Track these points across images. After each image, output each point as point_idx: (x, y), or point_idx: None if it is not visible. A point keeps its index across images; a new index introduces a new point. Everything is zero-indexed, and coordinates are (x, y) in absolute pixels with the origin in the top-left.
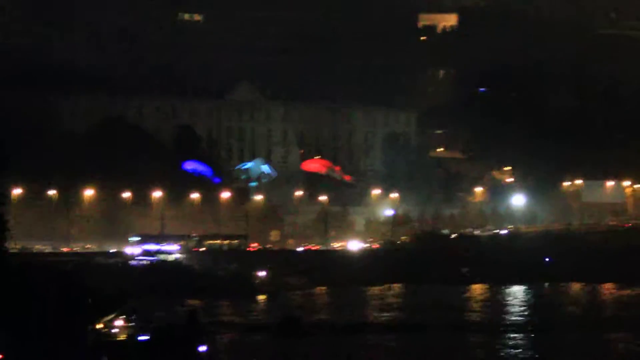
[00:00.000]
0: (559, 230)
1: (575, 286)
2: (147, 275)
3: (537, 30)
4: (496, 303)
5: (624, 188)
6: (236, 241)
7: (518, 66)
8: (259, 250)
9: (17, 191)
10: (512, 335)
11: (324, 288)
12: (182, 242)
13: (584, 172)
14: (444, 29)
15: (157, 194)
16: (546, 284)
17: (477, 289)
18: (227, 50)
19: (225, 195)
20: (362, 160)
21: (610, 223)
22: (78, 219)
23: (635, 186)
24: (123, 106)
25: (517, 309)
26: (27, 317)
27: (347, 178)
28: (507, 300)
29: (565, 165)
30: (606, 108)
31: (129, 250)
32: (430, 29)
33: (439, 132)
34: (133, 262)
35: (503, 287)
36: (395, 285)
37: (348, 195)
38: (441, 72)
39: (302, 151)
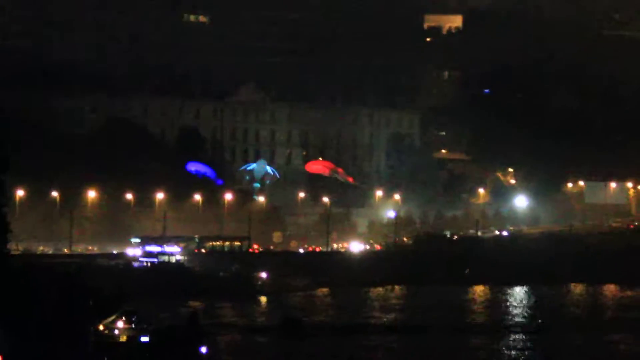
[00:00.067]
0: (561, 231)
1: (577, 287)
2: (148, 276)
3: (541, 31)
4: (498, 304)
5: (627, 189)
6: (237, 243)
7: (522, 67)
8: (260, 251)
9: (19, 192)
10: (513, 337)
11: (325, 289)
12: (183, 244)
13: (586, 173)
14: (449, 30)
15: (159, 195)
16: (548, 285)
17: (479, 290)
18: (231, 51)
19: (228, 196)
20: (365, 161)
21: (613, 224)
22: (80, 221)
23: (638, 187)
24: (126, 107)
25: (518, 310)
26: (28, 318)
27: (350, 179)
28: (509, 302)
29: (568, 167)
30: (609, 109)
31: (130, 251)
32: (435, 30)
33: (442, 133)
34: (135, 264)
35: (505, 288)
36: (397, 286)
37: (351, 196)
38: (445, 73)
39: (305, 153)
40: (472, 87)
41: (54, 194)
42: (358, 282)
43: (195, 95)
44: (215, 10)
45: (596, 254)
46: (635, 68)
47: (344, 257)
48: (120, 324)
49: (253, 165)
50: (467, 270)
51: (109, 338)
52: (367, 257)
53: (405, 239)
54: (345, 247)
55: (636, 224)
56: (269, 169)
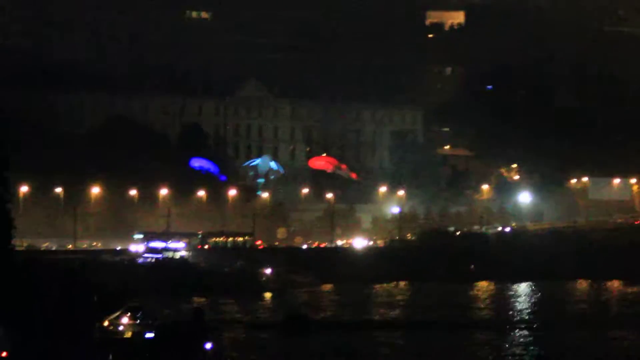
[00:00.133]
0: (564, 227)
1: (581, 283)
2: (153, 272)
3: (542, 27)
4: (502, 300)
5: (630, 185)
6: (241, 239)
7: (524, 63)
8: (264, 247)
9: (23, 189)
10: (518, 333)
11: (329, 285)
12: (186, 240)
13: (590, 169)
14: (451, 27)
15: (163, 191)
16: (552, 281)
17: (483, 287)
18: (233, 47)
19: (232, 192)
20: (369, 157)
21: (618, 220)
22: (84, 217)
23: None
24: (128, 105)
25: (523, 306)
26: (32, 314)
27: (353, 176)
28: (513, 298)
29: (572, 162)
30: (611, 104)
31: (133, 247)
32: (437, 27)
33: (445, 129)
34: (139, 260)
35: (509, 285)
36: (401, 282)
37: (355, 192)
38: (448, 70)
39: (308, 149)
40: (475, 84)
41: (58, 190)
42: (362, 278)
43: (197, 92)
44: (217, 6)
45: (600, 250)
46: (638, 65)
47: (348, 253)
48: (124, 320)
49: (257, 161)
50: (471, 267)
51: (114, 334)
52: (371, 253)
53: (408, 235)
54: (349, 243)
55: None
56: (273, 164)
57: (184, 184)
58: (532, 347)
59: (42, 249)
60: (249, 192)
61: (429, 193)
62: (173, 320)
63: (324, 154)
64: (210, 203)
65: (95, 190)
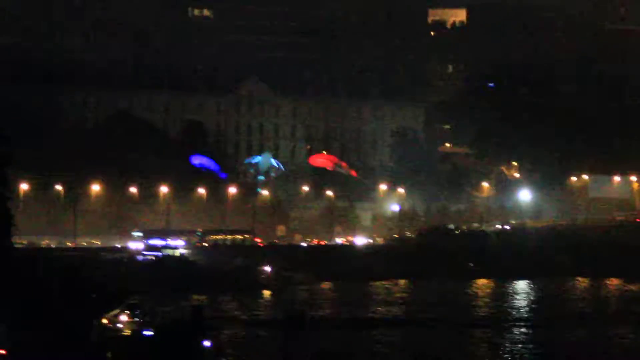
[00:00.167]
0: (565, 225)
1: (581, 281)
2: (152, 270)
3: (544, 26)
4: (501, 298)
5: (630, 183)
6: (240, 236)
7: (526, 62)
8: (264, 245)
9: (23, 186)
10: (517, 331)
11: (329, 283)
12: (185, 237)
13: (590, 167)
14: (453, 24)
15: (163, 189)
16: (551, 279)
17: (483, 284)
18: (235, 45)
19: (232, 190)
20: (369, 155)
21: (618, 218)
22: (84, 214)
23: None
24: (130, 101)
25: (522, 303)
26: (31, 312)
27: (353, 173)
28: (513, 295)
29: (572, 160)
30: (613, 102)
31: (132, 245)
32: (439, 24)
33: (446, 127)
34: (139, 257)
35: (508, 282)
36: (401, 280)
37: (355, 190)
38: (450, 67)
39: (309, 147)
40: (476, 81)
41: (58, 187)
42: (362, 276)
43: (198, 89)
44: (219, 4)
45: (600, 248)
46: (639, 63)
47: (347, 251)
48: (123, 317)
49: (258, 158)
50: (471, 264)
51: (113, 331)
52: (371, 251)
53: (408, 233)
54: (349, 241)
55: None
56: (274, 162)
57: (184, 181)
58: (531, 345)
59: (42, 246)
60: (249, 189)
61: (429, 191)
62: (172, 317)
63: (325, 152)
64: (210, 201)
65: (96, 187)
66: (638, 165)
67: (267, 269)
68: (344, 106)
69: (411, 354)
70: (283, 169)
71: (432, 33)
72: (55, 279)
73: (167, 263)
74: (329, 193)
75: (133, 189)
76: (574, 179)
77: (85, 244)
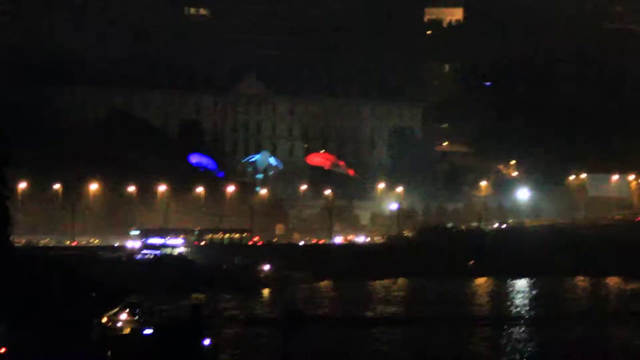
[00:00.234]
0: (563, 224)
1: (580, 280)
2: (151, 269)
3: (542, 23)
4: (500, 296)
5: (629, 182)
6: (237, 235)
7: (523, 60)
8: (263, 244)
9: (21, 185)
10: (516, 329)
11: (328, 282)
12: (182, 236)
13: (589, 166)
14: (449, 23)
15: (161, 188)
16: (550, 278)
17: (482, 283)
18: (233, 44)
19: (230, 189)
20: (367, 154)
21: (616, 217)
22: (82, 213)
23: None
24: (128, 100)
25: (521, 302)
26: (31, 311)
27: (351, 172)
28: (512, 294)
29: (570, 159)
30: (611, 101)
31: (129, 244)
32: (436, 23)
33: (444, 125)
34: (137, 256)
35: (507, 281)
36: (399, 279)
37: (353, 189)
38: (447, 66)
39: (307, 145)
40: (474, 80)
41: (56, 186)
42: (361, 274)
43: (196, 88)
44: (216, 3)
45: (599, 247)
46: (637, 61)
47: (346, 249)
48: (123, 316)
49: (257, 157)
50: (470, 263)
51: (112, 330)
52: (369, 250)
53: (405, 232)
54: (347, 240)
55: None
56: (272, 160)
57: (182, 180)
58: (530, 343)
59: (40, 245)
60: (247, 188)
61: (428, 190)
62: (171, 316)
63: (322, 151)
64: (208, 199)
65: (94, 186)
66: (637, 164)
67: (266, 267)
68: (341, 105)
69: (410, 352)
70: (281, 167)
71: (429, 32)
72: (54, 278)
73: (165, 262)
74: (328, 192)
75: (131, 188)
76: (572, 177)
77: (84, 243)
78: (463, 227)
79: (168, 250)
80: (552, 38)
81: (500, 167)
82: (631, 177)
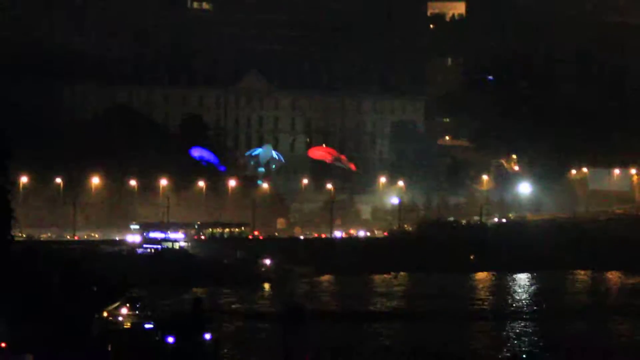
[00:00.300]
0: (564, 218)
1: (581, 274)
2: (152, 263)
3: (544, 18)
4: (501, 291)
5: (630, 176)
6: (237, 229)
7: (525, 54)
8: (264, 238)
9: (23, 179)
10: (517, 323)
11: (329, 276)
12: (182, 230)
13: (590, 160)
14: (452, 17)
15: (163, 182)
16: (551, 272)
17: (483, 277)
18: (235, 38)
19: (232, 183)
20: (369, 148)
21: (617, 211)
22: (84, 207)
23: None
24: (130, 94)
25: (522, 296)
26: (32, 305)
27: (352, 167)
28: (513, 288)
29: (572, 153)
30: (612, 95)
31: (129, 238)
32: (439, 17)
33: (445, 120)
34: (139, 250)
35: (508, 275)
36: (401, 273)
37: (354, 183)
38: (449, 60)
39: (309, 140)
40: (476, 75)
41: (58, 181)
42: (362, 268)
43: (198, 82)
44: None
45: (600, 241)
46: (638, 56)
47: (347, 244)
48: (124, 310)
49: (259, 150)
50: (471, 257)
51: (113, 325)
52: (371, 244)
53: (406, 226)
54: (348, 234)
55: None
56: (274, 154)
57: (184, 175)
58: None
59: (42, 239)
60: (248, 182)
61: (429, 184)
62: (172, 311)
63: (324, 145)
64: (209, 193)
65: (95, 181)
66: (637, 158)
67: (267, 262)
68: (343, 99)
69: (411, 347)
70: (283, 160)
71: (432, 26)
72: (55, 272)
73: (166, 256)
74: (329, 186)
75: (133, 183)
76: (573, 172)
77: (86, 237)
78: (464, 221)
79: (169, 245)
80: (554, 33)
81: (502, 161)
82: (632, 171)
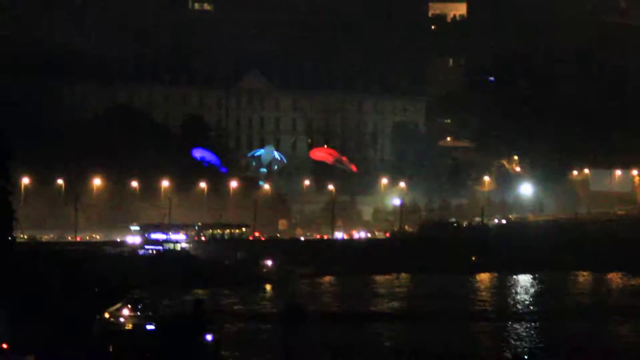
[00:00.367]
0: (566, 219)
1: (582, 275)
2: (153, 264)
3: (544, 18)
4: (503, 292)
5: (632, 177)
6: (237, 230)
7: (526, 55)
8: (265, 239)
9: (25, 180)
10: (518, 324)
11: (330, 277)
12: (183, 231)
13: (591, 161)
14: (453, 18)
15: (164, 183)
16: (553, 273)
17: (484, 278)
18: (235, 39)
19: (233, 184)
20: (370, 149)
21: (619, 212)
22: (85, 209)
23: None
24: (132, 94)
25: (523, 297)
26: (33, 306)
27: (353, 168)
28: (514, 289)
29: (573, 154)
30: (614, 96)
31: (130, 239)
32: (440, 18)
33: (447, 121)
34: (140, 251)
35: (510, 276)
36: (402, 274)
37: (356, 184)
38: (450, 61)
39: (310, 140)
40: (477, 75)
41: (59, 182)
42: (363, 269)
43: (199, 83)
44: None
45: (601, 242)
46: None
47: (349, 245)
48: (125, 311)
49: (261, 151)
50: (473, 258)
51: (115, 326)
52: (372, 245)
53: (407, 227)
54: (350, 235)
55: None
56: (276, 154)
57: (185, 175)
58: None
59: (43, 240)
60: (250, 183)
61: (431, 185)
62: (174, 312)
63: (325, 146)
64: (211, 194)
65: (97, 182)
66: (639, 158)
67: (269, 263)
68: (344, 100)
69: (413, 347)
70: (285, 161)
71: (433, 27)
72: (56, 273)
73: (168, 257)
74: (330, 187)
75: (134, 183)
76: (575, 173)
77: (88, 238)
78: (465, 222)
79: (171, 246)
80: (554, 33)
81: (503, 162)
82: (634, 172)
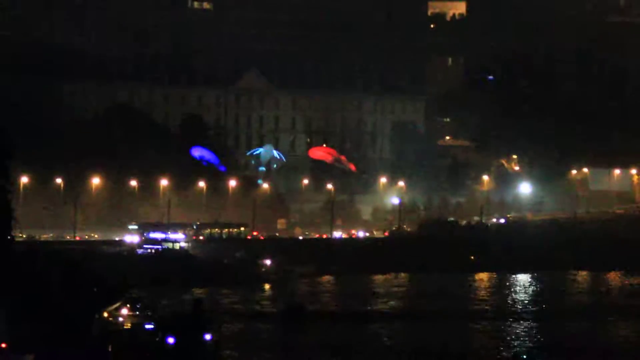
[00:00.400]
0: (565, 218)
1: (581, 274)
2: (152, 263)
3: (544, 18)
4: (502, 291)
5: (631, 176)
6: (235, 230)
7: (525, 54)
8: (264, 238)
9: (23, 179)
10: (517, 324)
11: (329, 276)
12: (181, 231)
13: (590, 160)
14: (453, 17)
15: (163, 182)
16: (552, 272)
17: (483, 277)
18: (235, 38)
19: (232, 183)
20: (369, 148)
21: (618, 211)
22: (84, 208)
23: None
24: (131, 94)
25: (522, 296)
26: (32, 305)
27: (352, 167)
28: (513, 288)
29: (572, 153)
30: (613, 95)
31: (128, 238)
32: (439, 17)
33: (446, 120)
34: (139, 251)
35: (509, 275)
36: (401, 273)
37: (355, 183)
38: (450, 60)
39: (309, 140)
40: (476, 74)
41: (58, 181)
42: (362, 269)
43: (198, 82)
44: None
45: (600, 241)
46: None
47: (348, 244)
48: (124, 311)
49: (260, 150)
50: (472, 257)
51: (114, 325)
52: (371, 244)
53: (406, 227)
54: (349, 234)
55: None
56: (275, 153)
57: (184, 174)
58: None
59: (42, 239)
60: (249, 182)
61: (430, 184)
62: (173, 311)
63: (324, 145)
64: (210, 194)
65: (96, 181)
66: (638, 158)
67: (268, 262)
68: (343, 99)
69: (412, 347)
70: (284, 160)
71: (432, 26)
72: (55, 273)
73: (167, 256)
74: (329, 186)
75: (133, 183)
76: (574, 172)
77: (87, 237)
78: (464, 221)
79: (170, 245)
80: (554, 32)
81: (502, 161)
82: (633, 171)
